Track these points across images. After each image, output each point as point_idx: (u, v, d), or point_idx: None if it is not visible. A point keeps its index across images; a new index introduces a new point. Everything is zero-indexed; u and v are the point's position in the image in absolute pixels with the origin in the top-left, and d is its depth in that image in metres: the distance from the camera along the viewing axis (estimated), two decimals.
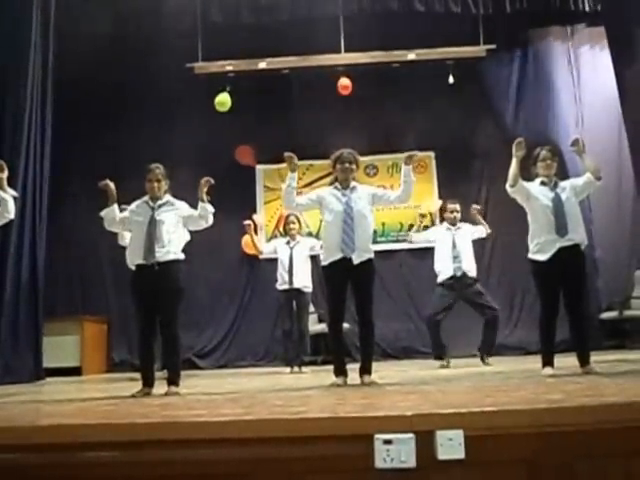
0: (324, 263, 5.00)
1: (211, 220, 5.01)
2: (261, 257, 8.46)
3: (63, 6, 7.82)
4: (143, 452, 2.48)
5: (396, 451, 2.35)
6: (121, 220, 5.03)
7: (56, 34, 7.73)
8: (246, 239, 9.17)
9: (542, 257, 4.95)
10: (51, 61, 7.69)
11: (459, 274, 7.17)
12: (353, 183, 5.05)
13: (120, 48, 9.31)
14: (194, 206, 5.01)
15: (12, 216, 5.21)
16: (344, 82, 9.28)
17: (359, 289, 4.90)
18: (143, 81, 9.66)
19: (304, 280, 7.70)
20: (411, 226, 9.62)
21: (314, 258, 7.65)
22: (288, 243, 7.79)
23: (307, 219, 8.74)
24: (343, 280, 4.88)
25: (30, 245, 7.35)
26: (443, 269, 7.24)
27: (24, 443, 2.53)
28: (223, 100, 9.21)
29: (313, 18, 8.77)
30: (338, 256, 4.86)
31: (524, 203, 5.19)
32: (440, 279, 7.28)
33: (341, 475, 2.42)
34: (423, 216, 7.27)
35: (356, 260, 4.84)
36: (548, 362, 4.90)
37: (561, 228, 4.91)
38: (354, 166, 5.04)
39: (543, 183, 5.13)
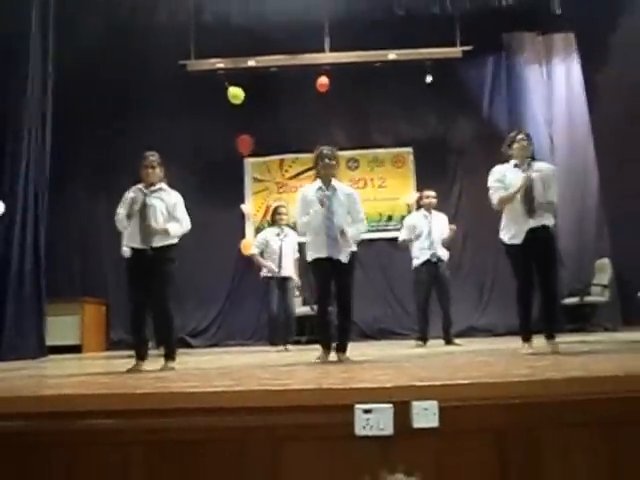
0: (310, 259, 4.98)
1: (182, 231, 4.88)
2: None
3: (60, 4, 7.71)
4: (139, 420, 2.49)
5: (375, 420, 2.38)
6: (128, 216, 4.81)
7: (55, 29, 7.63)
8: (245, 242, 9.18)
9: (516, 241, 4.86)
10: (51, 53, 7.59)
11: (434, 260, 7.22)
12: (334, 181, 5.02)
13: (116, 45, 9.25)
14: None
15: None
16: (322, 80, 9.29)
17: (340, 278, 4.91)
18: (137, 76, 9.61)
19: (291, 269, 7.76)
20: (390, 217, 9.71)
21: (301, 246, 7.62)
22: (278, 235, 7.77)
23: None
24: (329, 272, 4.89)
25: (33, 231, 7.31)
26: (420, 254, 7.27)
27: (28, 411, 2.54)
28: (236, 93, 9.14)
29: (300, 19, 8.73)
30: (324, 255, 4.85)
31: None
32: (416, 264, 7.31)
33: (324, 442, 2.44)
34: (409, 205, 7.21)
35: (344, 260, 4.85)
36: (527, 339, 4.83)
37: (531, 209, 4.79)
38: (334, 162, 5.00)
39: (516, 166, 4.95)
